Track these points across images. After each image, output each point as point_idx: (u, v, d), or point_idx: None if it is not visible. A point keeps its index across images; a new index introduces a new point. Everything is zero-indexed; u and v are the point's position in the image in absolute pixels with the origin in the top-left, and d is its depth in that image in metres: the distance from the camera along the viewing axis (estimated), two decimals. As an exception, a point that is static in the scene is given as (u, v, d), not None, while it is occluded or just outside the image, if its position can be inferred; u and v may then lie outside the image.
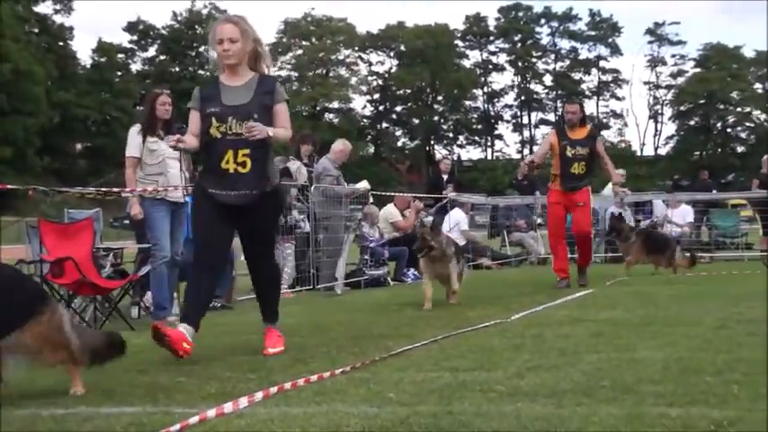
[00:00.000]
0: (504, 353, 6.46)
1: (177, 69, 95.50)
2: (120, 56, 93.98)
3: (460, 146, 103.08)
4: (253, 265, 7.52)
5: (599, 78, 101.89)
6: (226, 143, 6.88)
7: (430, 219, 19.98)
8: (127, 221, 11.78)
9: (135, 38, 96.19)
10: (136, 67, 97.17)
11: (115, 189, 10.93)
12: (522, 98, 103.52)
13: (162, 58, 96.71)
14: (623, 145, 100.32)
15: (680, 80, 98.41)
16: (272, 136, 6.93)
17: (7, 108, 71.46)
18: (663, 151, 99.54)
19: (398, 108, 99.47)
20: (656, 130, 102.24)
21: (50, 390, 5.46)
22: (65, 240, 9.96)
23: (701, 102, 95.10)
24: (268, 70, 7.40)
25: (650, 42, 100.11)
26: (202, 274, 7.11)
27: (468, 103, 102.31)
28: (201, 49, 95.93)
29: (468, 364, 5.97)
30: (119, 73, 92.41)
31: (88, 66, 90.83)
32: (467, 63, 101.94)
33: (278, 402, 4.85)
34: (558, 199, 13.32)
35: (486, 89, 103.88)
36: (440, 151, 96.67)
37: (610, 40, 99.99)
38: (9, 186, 10.63)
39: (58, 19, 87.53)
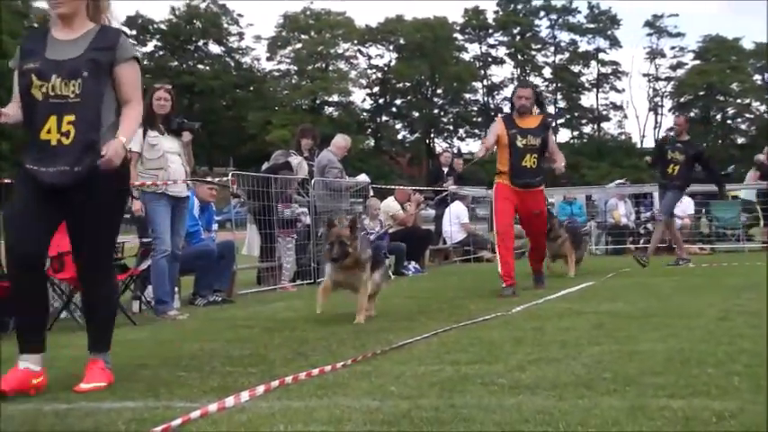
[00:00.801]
0: (506, 346, 6.46)
1: (176, 64, 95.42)
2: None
3: (461, 139, 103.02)
4: (80, 275, 6.00)
5: (598, 71, 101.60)
6: (47, 107, 5.55)
7: (432, 212, 19.99)
8: (128, 215, 11.72)
9: (134, 32, 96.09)
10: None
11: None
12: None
13: (161, 53, 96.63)
14: (623, 137, 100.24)
15: (679, 72, 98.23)
16: (124, 144, 5.58)
17: (7, 103, 71.35)
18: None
19: (398, 101, 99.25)
20: (656, 122, 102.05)
21: (52, 385, 5.45)
22: (66, 235, 9.92)
23: (701, 93, 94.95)
24: (110, 23, 6.02)
25: (649, 35, 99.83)
26: (23, 277, 5.56)
27: (467, 96, 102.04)
28: (201, 43, 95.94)
29: (470, 357, 5.98)
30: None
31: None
32: (466, 56, 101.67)
33: (279, 396, 4.86)
34: (508, 195, 11.51)
35: (485, 82, 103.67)
36: (440, 144, 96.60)
37: (609, 32, 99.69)
38: (6, 181, 10.57)
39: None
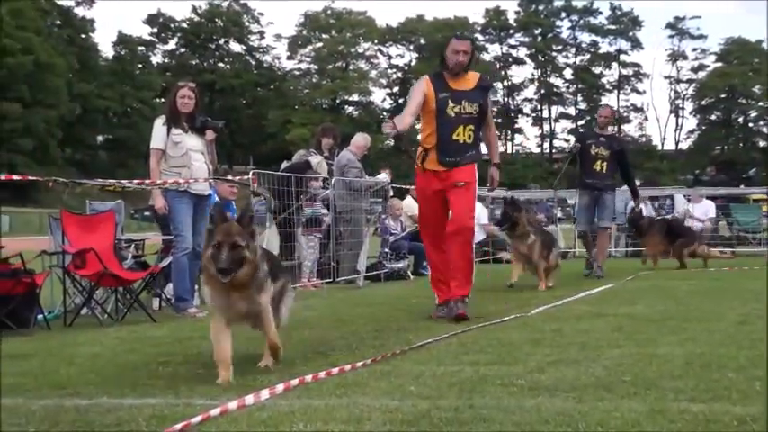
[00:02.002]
0: (524, 347, 6.46)
1: (197, 62, 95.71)
2: (140, 48, 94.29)
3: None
4: None
5: (619, 72, 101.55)
6: None
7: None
8: (148, 213, 11.84)
9: (155, 30, 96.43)
10: (156, 59, 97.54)
11: (136, 181, 10.96)
12: (542, 92, 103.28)
13: (182, 50, 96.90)
14: (644, 139, 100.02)
15: (701, 74, 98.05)
16: None
17: (29, 100, 71.80)
18: (684, 146, 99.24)
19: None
20: (677, 124, 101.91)
21: (73, 381, 5.48)
22: (87, 232, 9.99)
23: (723, 96, 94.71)
24: None
25: (671, 36, 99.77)
26: None
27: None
28: (222, 42, 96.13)
29: (489, 358, 5.98)
30: (139, 65, 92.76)
31: (109, 58, 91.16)
32: (487, 57, 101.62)
33: (299, 395, 4.87)
34: (431, 182, 9.09)
35: (506, 83, 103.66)
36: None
37: (630, 33, 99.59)
38: (30, 178, 10.63)
39: (79, 11, 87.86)
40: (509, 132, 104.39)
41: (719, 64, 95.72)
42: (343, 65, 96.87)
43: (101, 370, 5.67)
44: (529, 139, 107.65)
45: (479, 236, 19.93)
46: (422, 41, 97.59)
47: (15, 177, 10.39)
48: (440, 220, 9.16)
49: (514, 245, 12.58)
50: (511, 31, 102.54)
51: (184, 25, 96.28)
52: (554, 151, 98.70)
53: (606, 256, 15.04)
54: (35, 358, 6.62)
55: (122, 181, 11.00)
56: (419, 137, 9.32)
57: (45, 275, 9.36)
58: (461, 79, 9.15)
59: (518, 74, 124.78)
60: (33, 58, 71.78)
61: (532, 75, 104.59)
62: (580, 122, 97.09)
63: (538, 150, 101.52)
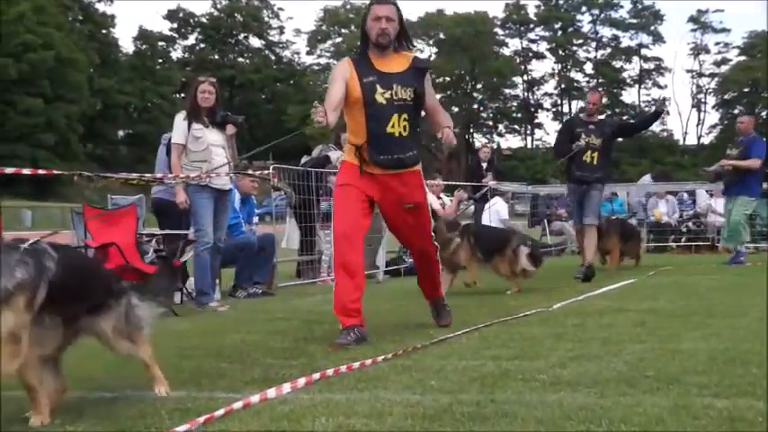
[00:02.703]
0: (546, 342, 6.45)
1: (217, 57, 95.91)
2: (160, 43, 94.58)
3: (500, 134, 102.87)
4: None
5: (641, 66, 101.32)
6: None
7: (471, 208, 19.95)
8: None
9: (175, 26, 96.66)
10: (176, 54, 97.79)
11: (159, 175, 10.99)
12: (563, 86, 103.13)
13: (202, 45, 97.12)
14: (665, 134, 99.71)
15: (724, 68, 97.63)
16: None
17: (50, 95, 72.14)
18: (706, 140, 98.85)
19: (438, 96, 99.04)
20: (699, 118, 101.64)
21: (97, 374, 5.50)
22: (109, 226, 10.04)
23: (746, 90, 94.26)
24: None
25: (693, 30, 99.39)
26: None
27: (507, 91, 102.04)
28: (241, 36, 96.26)
29: (510, 352, 5.97)
30: (160, 60, 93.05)
31: (130, 53, 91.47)
32: (506, 51, 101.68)
33: (321, 389, 4.87)
34: (354, 179, 7.18)
35: (525, 77, 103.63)
36: (479, 139, 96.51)
37: (652, 27, 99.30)
38: (56, 172, 10.68)
39: (100, 7, 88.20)
40: (529, 127, 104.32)
41: (743, 58, 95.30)
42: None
43: (124, 363, 5.68)
44: (549, 133, 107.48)
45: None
46: (441, 36, 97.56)
47: (41, 172, 10.45)
48: (358, 218, 7.18)
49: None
50: (531, 26, 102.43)
51: (204, 20, 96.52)
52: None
53: (594, 255, 13.41)
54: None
55: (145, 175, 11.04)
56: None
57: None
58: (390, 59, 7.28)
59: (538, 68, 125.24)
60: (54, 54, 72.15)
61: (552, 69, 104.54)
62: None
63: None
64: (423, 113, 7.57)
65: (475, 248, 11.19)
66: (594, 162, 12.91)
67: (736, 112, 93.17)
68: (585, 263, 12.70)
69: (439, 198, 17.73)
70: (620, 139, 14.03)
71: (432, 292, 8.03)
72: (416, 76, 7.30)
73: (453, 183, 20.38)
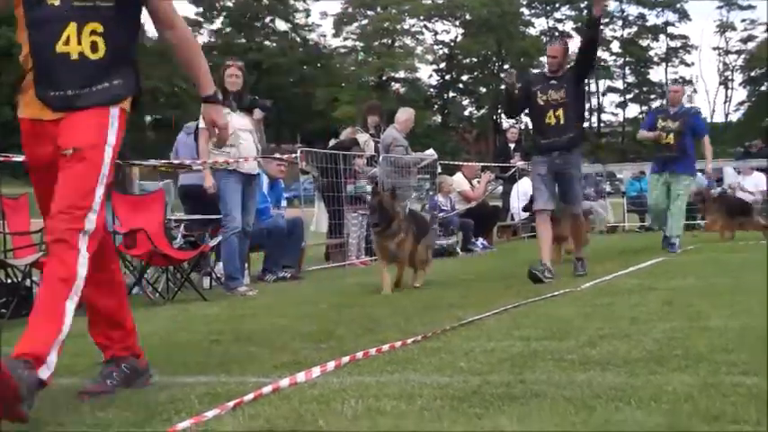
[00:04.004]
0: (575, 321, 6.44)
1: (244, 41, 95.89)
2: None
3: (527, 115, 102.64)
4: None
5: (667, 45, 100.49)
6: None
7: (500, 189, 19.92)
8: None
9: (201, 10, 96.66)
10: (203, 39, 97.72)
11: (187, 161, 11.02)
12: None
13: (228, 30, 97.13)
14: (693, 111, 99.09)
15: (750, 45, 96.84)
16: None
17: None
18: (734, 117, 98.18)
19: (465, 77, 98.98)
20: (727, 96, 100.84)
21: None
22: (137, 212, 10.07)
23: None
24: None
25: (719, 7, 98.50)
26: None
27: (534, 71, 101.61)
28: (267, 20, 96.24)
29: (539, 333, 5.96)
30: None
31: (156, 39, 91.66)
32: (533, 31, 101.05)
33: (350, 371, 4.88)
34: (37, 141, 4.59)
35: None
36: (506, 120, 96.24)
37: (678, 5, 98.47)
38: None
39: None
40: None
41: (767, 34, 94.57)
42: (389, 42, 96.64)
43: (153, 349, 5.71)
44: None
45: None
46: (468, 17, 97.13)
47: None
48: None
49: (382, 244, 9.67)
50: (557, 5, 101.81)
51: (230, 4, 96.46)
52: (602, 125, 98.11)
53: (586, 243, 12.04)
54: (87, 338, 6.67)
55: (173, 161, 11.07)
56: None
57: (96, 256, 9.44)
58: None
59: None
60: (81, 40, 72.38)
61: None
62: (629, 96, 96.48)
63: (585, 125, 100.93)
64: None
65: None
66: (561, 121, 10.46)
67: (763, 88, 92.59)
68: (579, 254, 10.92)
69: (472, 180, 17.73)
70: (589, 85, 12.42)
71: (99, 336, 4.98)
72: None
73: (482, 164, 20.38)
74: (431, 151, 16.86)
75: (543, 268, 9.91)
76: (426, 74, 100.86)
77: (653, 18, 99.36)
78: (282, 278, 11.52)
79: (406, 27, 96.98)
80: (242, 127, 10.06)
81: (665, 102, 14.81)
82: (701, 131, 14.76)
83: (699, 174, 21.96)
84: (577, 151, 10.83)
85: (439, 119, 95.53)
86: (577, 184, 10.85)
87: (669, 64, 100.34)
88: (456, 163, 19.60)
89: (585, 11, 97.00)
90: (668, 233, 13.90)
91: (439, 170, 17.31)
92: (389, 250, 9.57)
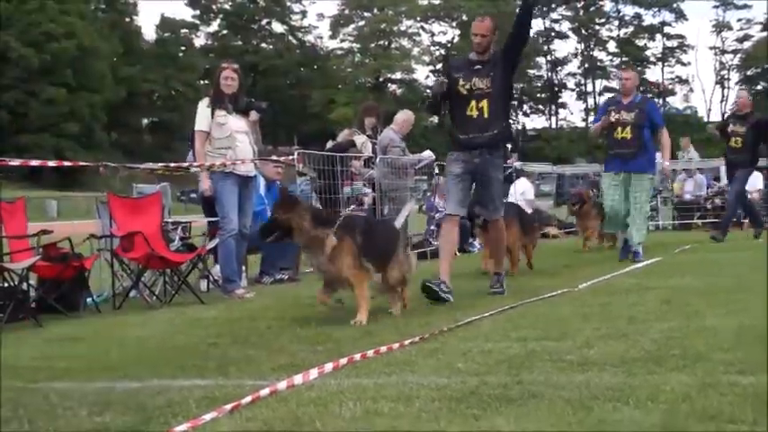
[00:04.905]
0: (573, 322, 6.44)
1: (240, 43, 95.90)
2: (183, 31, 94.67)
3: (525, 114, 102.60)
4: None
5: (664, 44, 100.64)
6: None
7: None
8: (194, 195, 11.96)
9: (198, 12, 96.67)
10: (199, 41, 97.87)
11: (184, 164, 11.02)
12: (586, 66, 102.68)
13: (225, 32, 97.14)
14: (689, 111, 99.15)
15: (746, 44, 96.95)
16: None
17: (74, 84, 72.33)
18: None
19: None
20: (723, 95, 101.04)
21: (123, 364, 5.53)
22: (134, 215, 10.05)
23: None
24: None
25: (715, 7, 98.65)
26: None
27: (531, 71, 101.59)
28: (264, 22, 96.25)
29: (537, 333, 5.97)
30: (183, 48, 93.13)
31: (153, 41, 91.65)
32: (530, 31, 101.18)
33: (348, 374, 4.88)
34: None
35: (549, 57, 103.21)
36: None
37: (674, 5, 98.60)
38: (81, 163, 10.73)
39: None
40: (553, 107, 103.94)
41: (765, 33, 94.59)
42: (386, 43, 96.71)
43: (150, 352, 5.72)
44: (573, 113, 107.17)
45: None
46: (464, 18, 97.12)
47: (66, 164, 10.50)
48: None
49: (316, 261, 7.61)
50: (553, 6, 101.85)
51: (227, 7, 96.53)
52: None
53: (504, 256, 9.72)
54: (85, 342, 6.69)
55: (170, 164, 11.07)
56: None
57: (93, 259, 9.44)
58: None
59: (561, 48, 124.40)
60: (77, 43, 72.35)
61: (576, 49, 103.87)
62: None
63: (582, 125, 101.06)
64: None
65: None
66: (485, 114, 8.84)
67: (759, 87, 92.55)
68: (496, 269, 9.27)
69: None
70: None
71: None
72: None
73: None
74: (428, 153, 16.82)
75: (440, 281, 8.40)
76: (423, 75, 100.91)
77: (649, 18, 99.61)
78: (280, 280, 11.51)
79: (402, 28, 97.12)
80: (238, 129, 10.04)
81: (618, 89, 12.99)
82: (659, 122, 12.85)
83: (698, 174, 22.13)
84: (500, 152, 9.12)
85: (436, 120, 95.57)
86: (499, 187, 9.16)
87: (666, 63, 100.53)
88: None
89: (583, 11, 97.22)
90: (630, 241, 12.47)
91: (436, 171, 17.29)
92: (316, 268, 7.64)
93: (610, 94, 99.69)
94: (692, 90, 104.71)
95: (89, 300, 9.23)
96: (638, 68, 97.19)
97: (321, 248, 7.26)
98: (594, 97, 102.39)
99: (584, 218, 15.41)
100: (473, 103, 8.82)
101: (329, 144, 14.63)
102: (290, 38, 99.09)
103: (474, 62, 8.99)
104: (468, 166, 8.90)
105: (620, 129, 12.39)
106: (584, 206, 15.40)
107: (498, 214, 9.14)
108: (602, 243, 15.48)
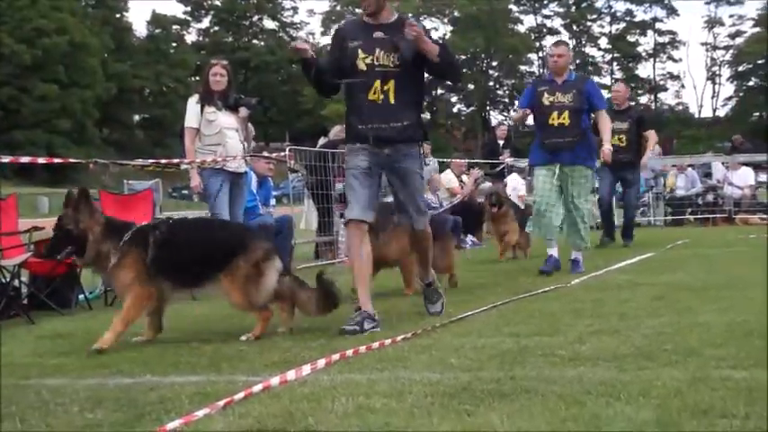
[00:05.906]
0: (565, 318, 6.45)
1: (231, 40, 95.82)
2: (174, 27, 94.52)
3: (516, 111, 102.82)
4: None
5: (655, 40, 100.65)
6: None
7: (488, 185, 19.92)
8: (186, 191, 11.92)
9: (189, 9, 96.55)
10: (191, 38, 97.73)
11: (174, 161, 11.00)
12: (578, 62, 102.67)
13: (216, 28, 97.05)
14: (681, 107, 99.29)
15: (738, 41, 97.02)
16: None
17: (65, 80, 72.23)
18: (721, 113, 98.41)
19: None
20: (714, 91, 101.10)
21: (116, 360, 5.52)
22: (125, 211, 10.03)
23: (760, 62, 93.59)
24: None
25: (707, 3, 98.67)
26: None
27: (523, 68, 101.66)
28: (255, 18, 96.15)
29: (529, 329, 5.98)
30: (174, 44, 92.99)
31: (144, 37, 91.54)
32: (521, 28, 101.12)
33: (341, 369, 4.89)
34: None
35: (541, 54, 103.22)
36: (495, 117, 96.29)
37: (666, 1, 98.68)
38: (71, 160, 10.70)
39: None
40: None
41: (757, 29, 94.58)
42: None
43: (143, 348, 5.72)
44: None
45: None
46: (456, 14, 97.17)
47: (56, 160, 10.47)
48: None
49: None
50: (545, 2, 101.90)
51: (218, 3, 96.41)
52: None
53: (430, 266, 7.49)
54: (77, 338, 6.68)
55: (161, 161, 11.05)
56: None
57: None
58: None
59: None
60: (68, 39, 72.26)
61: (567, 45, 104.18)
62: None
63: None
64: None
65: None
66: (391, 100, 6.79)
67: (750, 83, 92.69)
68: (428, 279, 7.37)
69: (461, 177, 17.70)
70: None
71: None
72: None
73: (470, 161, 20.38)
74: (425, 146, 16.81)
75: (361, 318, 6.47)
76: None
77: (641, 14, 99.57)
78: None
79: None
80: (228, 126, 10.03)
81: (545, 71, 10.74)
82: (600, 105, 10.77)
83: (689, 169, 22.14)
84: (415, 146, 7.00)
85: (428, 116, 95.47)
86: (419, 182, 7.09)
87: (657, 59, 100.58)
88: (445, 160, 19.55)
89: (574, 7, 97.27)
90: (573, 246, 10.59)
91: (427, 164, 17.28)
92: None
93: (601, 90, 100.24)
94: (683, 86, 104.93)
95: (81, 296, 9.22)
96: (630, 65, 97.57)
97: (105, 265, 6.38)
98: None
99: (501, 222, 13.00)
100: (377, 83, 6.79)
101: (321, 141, 14.63)
102: (282, 34, 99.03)
103: (370, 25, 6.95)
104: (376, 159, 6.86)
105: (555, 114, 10.34)
106: (503, 207, 13.12)
107: (424, 222, 7.15)
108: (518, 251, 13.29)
